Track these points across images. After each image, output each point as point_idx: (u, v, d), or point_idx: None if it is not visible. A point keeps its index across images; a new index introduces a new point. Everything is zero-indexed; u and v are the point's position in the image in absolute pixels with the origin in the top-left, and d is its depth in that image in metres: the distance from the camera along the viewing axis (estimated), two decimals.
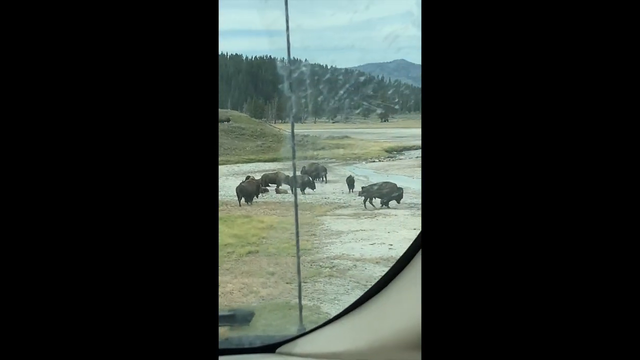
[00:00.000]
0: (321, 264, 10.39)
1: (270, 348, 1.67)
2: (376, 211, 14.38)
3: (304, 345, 1.61)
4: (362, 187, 15.38)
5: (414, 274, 1.31)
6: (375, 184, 15.58)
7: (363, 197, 15.08)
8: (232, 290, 8.91)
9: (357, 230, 12.47)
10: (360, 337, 1.42)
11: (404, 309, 1.32)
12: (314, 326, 1.63)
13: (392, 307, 1.38)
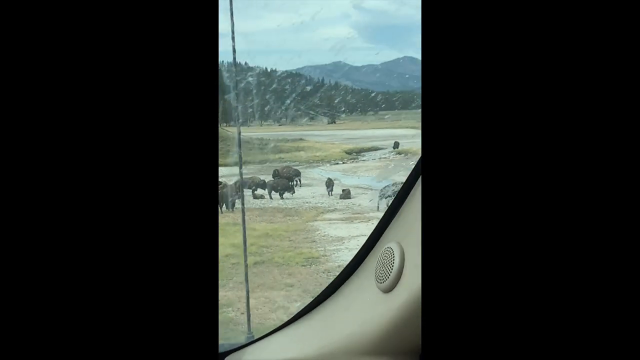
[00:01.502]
0: (337, 273, 9.93)
1: (220, 356, 1.65)
2: (367, 215, 14.03)
3: (253, 353, 1.62)
4: (381, 190, 14.99)
5: (362, 280, 1.35)
6: (388, 185, 15.26)
7: (378, 198, 14.69)
8: (256, 305, 8.27)
9: (358, 236, 12.06)
10: (310, 343, 1.43)
11: (352, 314, 1.34)
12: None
13: (341, 313, 1.40)
